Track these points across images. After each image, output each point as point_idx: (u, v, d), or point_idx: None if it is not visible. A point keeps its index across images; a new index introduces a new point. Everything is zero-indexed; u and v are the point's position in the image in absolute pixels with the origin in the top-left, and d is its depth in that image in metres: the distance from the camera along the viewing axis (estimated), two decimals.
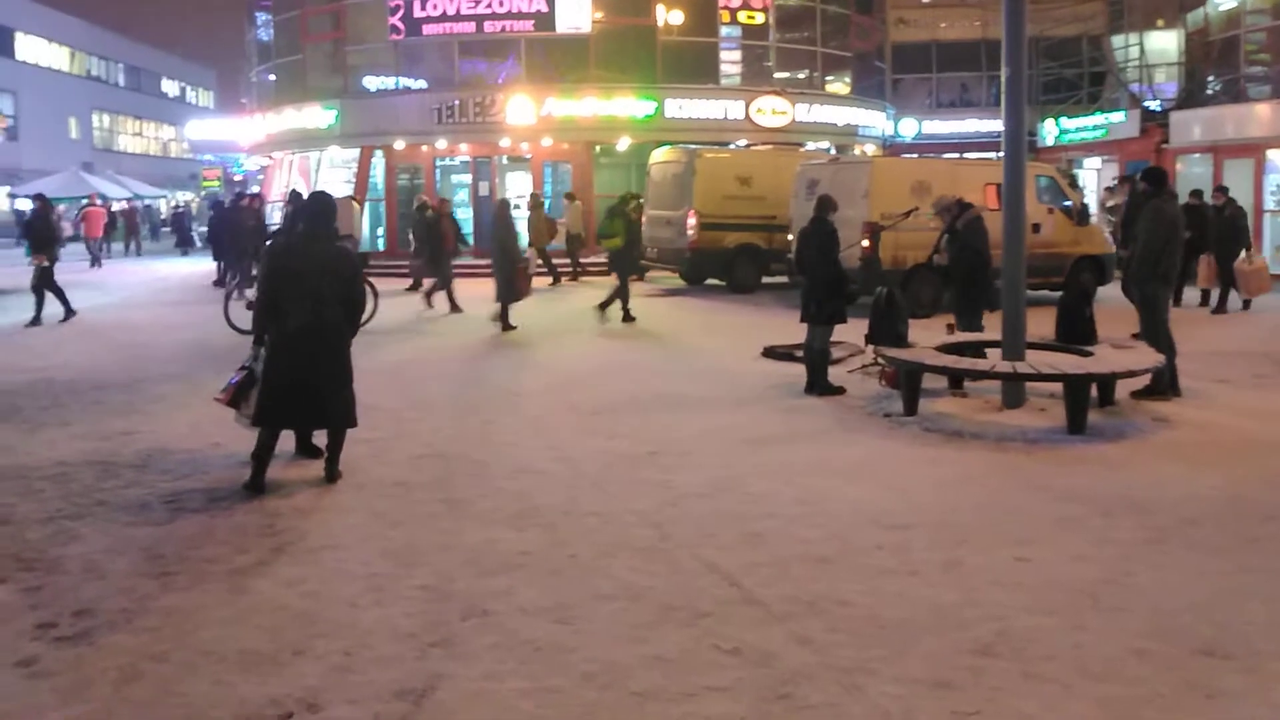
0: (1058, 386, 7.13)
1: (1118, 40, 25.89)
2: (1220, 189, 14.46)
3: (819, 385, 8.25)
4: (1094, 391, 7.19)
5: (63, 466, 6.16)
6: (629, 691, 3.31)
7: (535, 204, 19.03)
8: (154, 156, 49.52)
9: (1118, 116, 23.47)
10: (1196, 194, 14.20)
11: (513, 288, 12.20)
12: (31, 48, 40.55)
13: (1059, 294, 10.94)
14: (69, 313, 13.42)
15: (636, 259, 13.94)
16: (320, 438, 6.02)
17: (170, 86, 53.62)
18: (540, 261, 17.95)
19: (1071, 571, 4.36)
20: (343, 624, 3.86)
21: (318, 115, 23.98)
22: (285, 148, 25.81)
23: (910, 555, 4.56)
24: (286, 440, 5.98)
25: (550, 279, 18.09)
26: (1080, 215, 14.73)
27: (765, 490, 5.59)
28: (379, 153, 23.42)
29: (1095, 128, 24.30)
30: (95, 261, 24.47)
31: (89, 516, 5.19)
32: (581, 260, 19.22)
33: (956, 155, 22.97)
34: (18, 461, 6.29)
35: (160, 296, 17.65)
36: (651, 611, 3.95)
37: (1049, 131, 25.82)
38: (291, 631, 3.78)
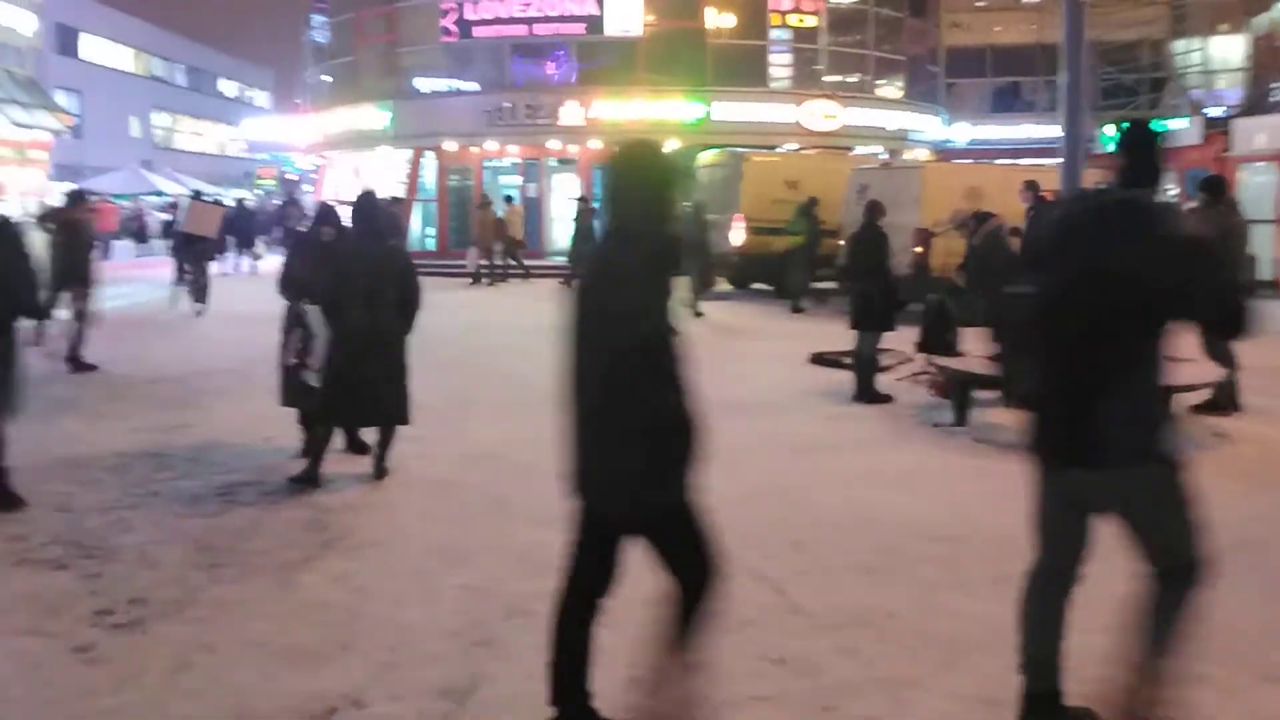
0: None
1: (1179, 45, 25.30)
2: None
3: (866, 393, 8.16)
4: None
5: (120, 457, 6.31)
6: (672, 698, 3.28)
7: (484, 204, 20.00)
8: (211, 155, 50.61)
9: (1178, 123, 22.92)
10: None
11: (704, 279, 13.82)
12: (96, 48, 41.71)
13: None
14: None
15: (814, 259, 14.88)
16: (369, 434, 6.09)
17: (228, 87, 54.76)
18: (485, 261, 19.34)
19: (1126, 590, 4.23)
20: (388, 621, 3.89)
21: (371, 116, 24.35)
22: (339, 148, 26.25)
23: (959, 568, 4.48)
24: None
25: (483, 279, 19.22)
26: None
27: (810, 498, 5.54)
28: (430, 153, 23.71)
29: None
30: (103, 255, 25.22)
31: (144, 507, 5.30)
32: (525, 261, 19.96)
33: (1011, 160, 22.60)
34: (78, 452, 6.45)
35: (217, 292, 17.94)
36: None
37: (1108, 138, 25.30)
38: (338, 627, 3.82)
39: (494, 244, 19.25)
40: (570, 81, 23.08)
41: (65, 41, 39.07)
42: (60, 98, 34.89)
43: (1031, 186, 11.39)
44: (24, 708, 3.22)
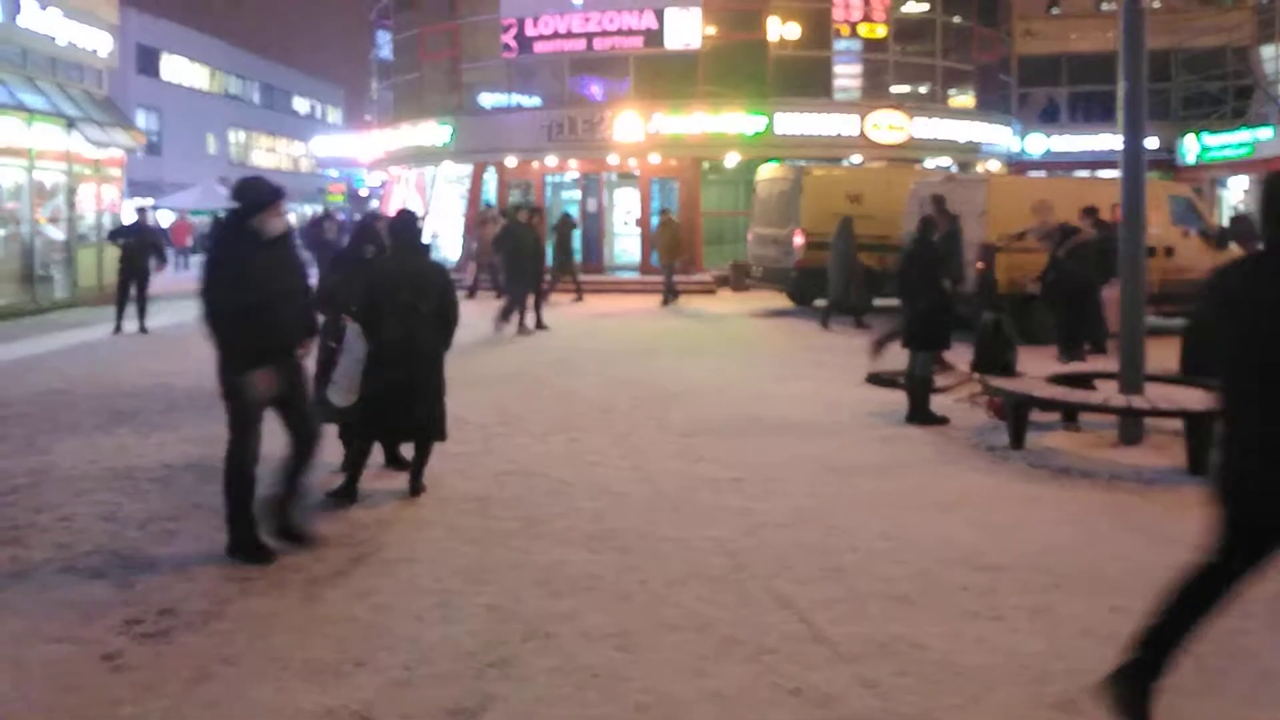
0: (1181, 423, 6.65)
1: (1267, 51, 24.30)
2: (1089, 210, 10.79)
3: (920, 414, 7.94)
4: None
5: (168, 469, 6.47)
6: None
7: (483, 219, 20.12)
8: (285, 171, 52.12)
9: (1265, 133, 22.01)
10: (1090, 211, 10.69)
11: (848, 294, 14.10)
12: (175, 68, 43.39)
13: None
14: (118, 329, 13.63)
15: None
16: (407, 450, 6.13)
17: (301, 104, 56.37)
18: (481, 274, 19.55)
19: None
20: (407, 638, 3.89)
21: (433, 131, 24.74)
22: (403, 163, 26.74)
23: (997, 599, 4.30)
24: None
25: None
26: (1218, 240, 13.81)
27: (850, 522, 5.39)
28: (491, 168, 23.99)
29: (1240, 145, 22.87)
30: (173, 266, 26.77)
31: (185, 518, 5.41)
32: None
33: (1088, 173, 21.93)
34: (129, 463, 6.64)
35: None
36: (715, 644, 3.84)
37: (1189, 149, 24.44)
38: (356, 643, 3.83)
39: (493, 258, 19.44)
40: (602, 99, 23.18)
41: (147, 62, 40.79)
42: (141, 116, 36.44)
43: (938, 201, 10.57)
44: (48, 713, 3.29)
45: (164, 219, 33.63)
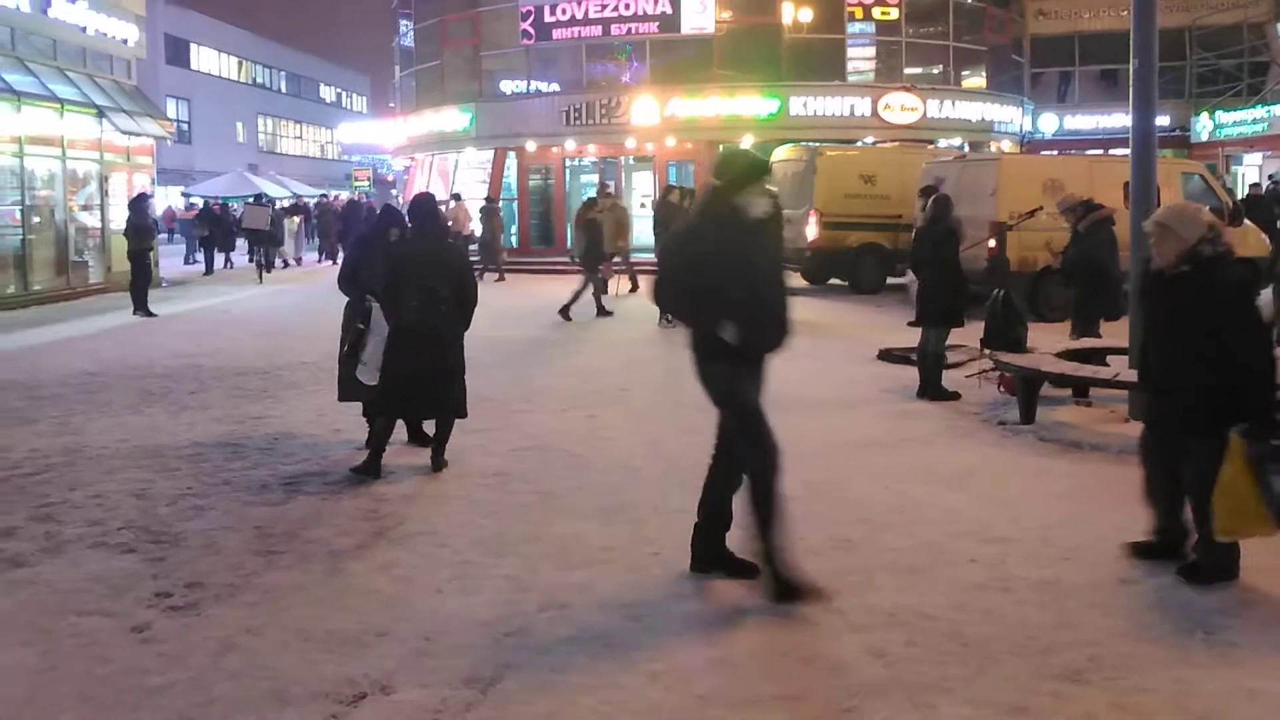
0: None
1: None
2: (924, 190, 10.17)
3: (931, 389, 7.99)
4: None
5: (198, 447, 6.62)
6: (692, 694, 3.30)
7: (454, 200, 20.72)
8: (312, 158, 52.50)
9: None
10: (925, 191, 10.39)
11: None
12: (205, 58, 43.79)
13: None
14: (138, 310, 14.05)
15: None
16: (429, 426, 6.24)
17: (327, 92, 56.70)
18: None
19: (1182, 598, 4.07)
20: (427, 609, 3.99)
21: (454, 118, 24.87)
22: (425, 149, 26.88)
23: (1005, 570, 4.37)
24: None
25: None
26: (1232, 216, 13.71)
27: (861, 495, 5.46)
28: (512, 154, 24.08)
29: (1255, 121, 22.60)
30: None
31: (214, 495, 5.55)
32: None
33: (1100, 152, 21.73)
34: (160, 441, 6.79)
35: (306, 287, 18.61)
36: (726, 613, 3.93)
37: (1204, 126, 24.17)
38: (378, 614, 3.94)
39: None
40: (625, 80, 23.13)
41: (177, 52, 41.11)
42: (171, 106, 36.73)
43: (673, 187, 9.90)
44: (78, 683, 3.40)
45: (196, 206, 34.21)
